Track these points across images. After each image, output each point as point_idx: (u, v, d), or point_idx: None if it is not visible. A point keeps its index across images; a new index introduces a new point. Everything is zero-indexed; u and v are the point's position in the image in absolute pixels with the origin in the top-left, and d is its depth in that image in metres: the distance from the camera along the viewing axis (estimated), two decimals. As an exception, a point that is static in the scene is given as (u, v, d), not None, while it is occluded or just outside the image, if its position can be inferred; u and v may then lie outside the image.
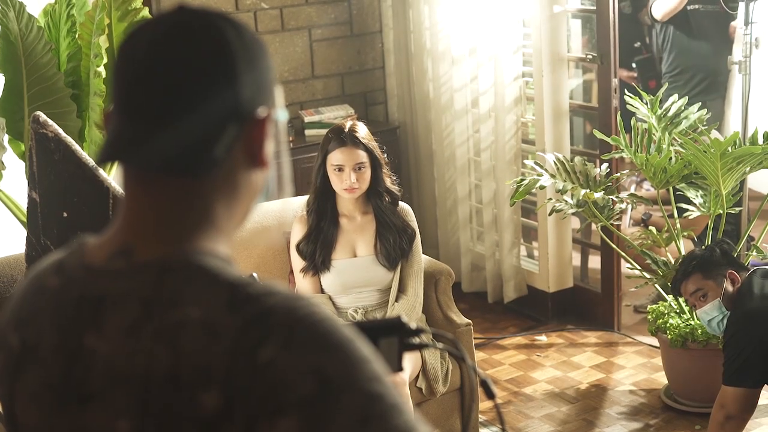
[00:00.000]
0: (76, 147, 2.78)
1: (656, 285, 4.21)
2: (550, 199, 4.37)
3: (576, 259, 5.24)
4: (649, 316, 4.21)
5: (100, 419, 1.09)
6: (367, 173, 3.55)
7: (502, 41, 4.90)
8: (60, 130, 2.81)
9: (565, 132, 4.91)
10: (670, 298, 4.18)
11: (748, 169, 3.92)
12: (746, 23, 4.40)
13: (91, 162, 2.79)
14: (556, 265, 5.04)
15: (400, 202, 3.67)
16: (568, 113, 4.95)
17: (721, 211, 4.05)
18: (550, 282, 5.05)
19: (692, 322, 4.02)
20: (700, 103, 4.24)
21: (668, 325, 4.06)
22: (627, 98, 4.18)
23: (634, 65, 6.69)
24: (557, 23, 4.79)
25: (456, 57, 5.16)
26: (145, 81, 1.11)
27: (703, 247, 3.77)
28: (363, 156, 3.53)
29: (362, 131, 3.57)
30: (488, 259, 5.25)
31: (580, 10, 5.10)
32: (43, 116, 2.82)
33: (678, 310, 4.13)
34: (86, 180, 2.73)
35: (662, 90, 4.28)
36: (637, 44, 6.79)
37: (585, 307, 5.04)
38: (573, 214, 4.31)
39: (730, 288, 3.56)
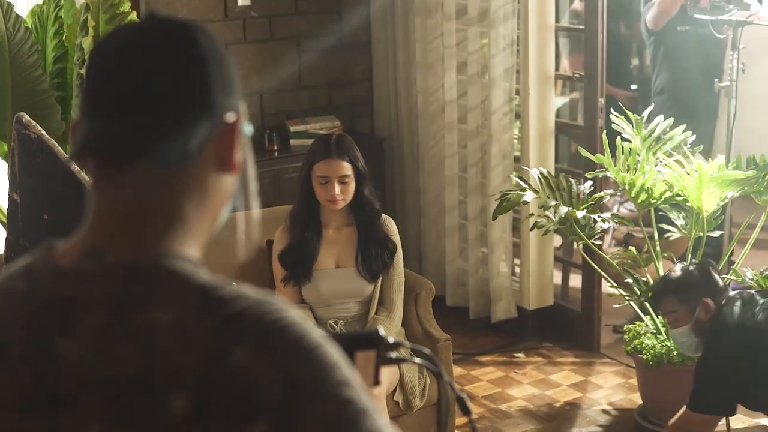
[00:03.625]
0: (59, 149, 2.77)
1: (632, 304, 4.21)
2: (532, 214, 4.38)
3: (557, 277, 5.24)
4: (626, 336, 4.22)
5: (71, 423, 1.08)
6: (352, 185, 3.55)
7: (496, 61, 4.90)
8: (43, 132, 2.80)
9: (550, 150, 4.91)
10: (647, 318, 4.18)
11: (730, 194, 3.93)
12: (734, 48, 4.42)
13: (74, 165, 2.78)
14: (537, 282, 5.03)
15: (383, 215, 3.66)
16: (554, 131, 4.95)
17: (702, 234, 4.06)
18: (530, 299, 5.05)
19: (668, 343, 4.02)
20: (685, 125, 4.25)
21: (644, 345, 4.07)
22: (613, 117, 4.18)
23: (634, 87, 6.70)
24: (545, 41, 4.80)
25: (446, 68, 5.16)
26: (116, 79, 1.12)
27: (685, 265, 3.74)
28: (348, 168, 3.53)
29: (347, 143, 3.57)
30: (471, 275, 5.24)
31: (569, 29, 5.11)
32: (26, 117, 2.81)
33: (654, 331, 4.13)
34: (68, 183, 2.72)
35: (648, 110, 4.29)
36: (631, 66, 6.81)
37: (565, 326, 5.04)
38: (555, 231, 4.30)
39: (702, 316, 3.51)
